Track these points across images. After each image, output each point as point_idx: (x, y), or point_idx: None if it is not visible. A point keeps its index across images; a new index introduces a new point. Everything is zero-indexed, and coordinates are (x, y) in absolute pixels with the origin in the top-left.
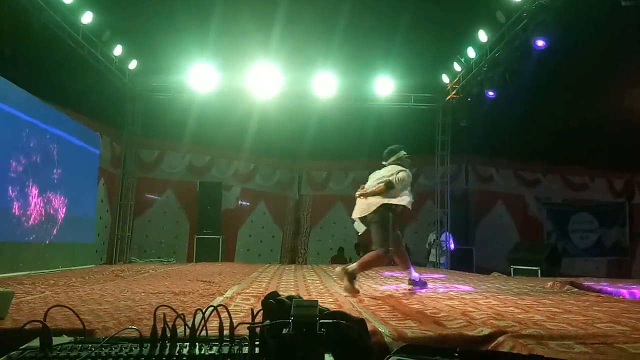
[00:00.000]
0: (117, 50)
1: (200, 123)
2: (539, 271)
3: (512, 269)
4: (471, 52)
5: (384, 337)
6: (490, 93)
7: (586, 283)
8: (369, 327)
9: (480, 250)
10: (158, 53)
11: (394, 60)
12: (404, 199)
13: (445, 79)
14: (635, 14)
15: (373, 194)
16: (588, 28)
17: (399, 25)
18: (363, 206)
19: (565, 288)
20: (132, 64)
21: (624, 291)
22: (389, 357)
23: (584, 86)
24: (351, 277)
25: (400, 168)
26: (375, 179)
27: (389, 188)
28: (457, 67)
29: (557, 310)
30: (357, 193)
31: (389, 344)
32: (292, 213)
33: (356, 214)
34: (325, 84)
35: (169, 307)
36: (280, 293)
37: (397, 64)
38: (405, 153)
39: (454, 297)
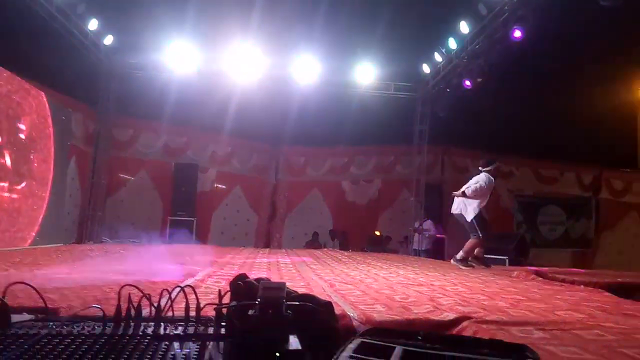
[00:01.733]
0: (92, 25)
1: (177, 104)
2: (507, 260)
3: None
4: (452, 44)
5: (352, 320)
6: (468, 83)
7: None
8: (338, 311)
9: (452, 239)
10: (135, 29)
11: (375, 48)
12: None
13: (425, 68)
14: (612, 12)
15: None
16: (566, 25)
17: (382, 12)
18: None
19: (530, 277)
20: (108, 40)
21: None
22: (352, 339)
23: (559, 82)
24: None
25: (479, 179)
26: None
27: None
28: (437, 58)
29: (521, 298)
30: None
31: (356, 327)
32: (268, 197)
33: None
34: (307, 69)
35: (135, 287)
36: (252, 276)
37: (378, 51)
38: (497, 164)
39: (424, 284)
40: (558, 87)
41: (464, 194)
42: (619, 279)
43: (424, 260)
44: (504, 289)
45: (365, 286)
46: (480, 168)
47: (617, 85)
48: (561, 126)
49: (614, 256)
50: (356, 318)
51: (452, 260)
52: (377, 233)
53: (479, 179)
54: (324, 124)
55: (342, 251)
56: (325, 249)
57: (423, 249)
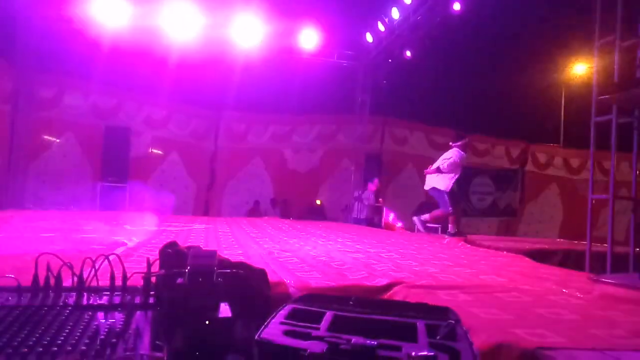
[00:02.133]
0: None
1: (108, 61)
2: (439, 229)
3: (415, 226)
4: (395, 13)
5: (289, 287)
6: (408, 54)
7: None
8: (275, 278)
9: (389, 208)
10: None
11: (319, 13)
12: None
13: (369, 37)
14: None
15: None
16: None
17: None
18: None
19: (460, 244)
20: None
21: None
22: (284, 306)
23: (493, 59)
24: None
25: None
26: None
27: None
28: (381, 27)
29: (450, 264)
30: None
31: (292, 294)
32: (207, 164)
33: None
34: (249, 31)
35: (55, 255)
36: (190, 245)
37: (322, 17)
38: (467, 140)
39: (360, 251)
40: (492, 63)
41: (438, 170)
42: (537, 246)
43: (363, 228)
44: (435, 255)
45: (304, 254)
46: (451, 143)
47: (546, 64)
48: (494, 101)
49: (535, 225)
50: (292, 285)
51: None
52: (318, 202)
53: (452, 154)
54: (266, 89)
55: (283, 220)
56: (266, 218)
57: (363, 217)
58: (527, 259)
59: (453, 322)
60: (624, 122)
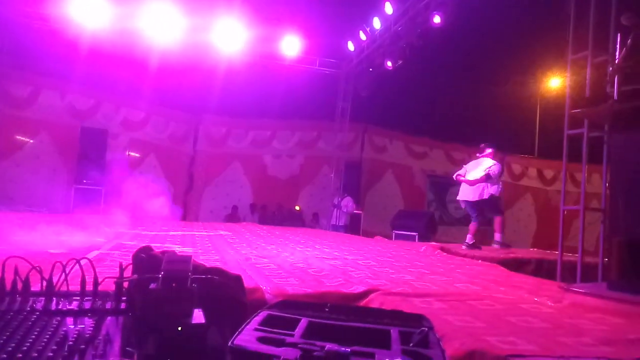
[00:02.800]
0: None
1: (86, 61)
2: (417, 236)
3: (393, 234)
4: (377, 23)
5: (265, 293)
6: (389, 64)
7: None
8: (252, 284)
9: (368, 216)
10: None
11: (302, 20)
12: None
13: (350, 46)
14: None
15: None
16: (482, 16)
17: None
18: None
19: (436, 252)
20: None
21: None
22: (259, 312)
23: (471, 71)
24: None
25: (490, 164)
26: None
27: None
28: (362, 36)
29: (426, 272)
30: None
31: (268, 300)
32: (185, 168)
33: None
34: (231, 35)
35: (22, 258)
36: (164, 249)
37: (305, 24)
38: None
39: (338, 258)
40: (471, 75)
41: (487, 178)
42: (512, 255)
43: (341, 235)
44: (412, 263)
45: (281, 260)
46: (478, 155)
47: (522, 77)
48: (471, 112)
49: (510, 234)
50: (269, 291)
51: (493, 244)
52: (297, 208)
53: (491, 163)
54: (247, 95)
55: (261, 225)
56: (244, 223)
57: (341, 224)
58: (501, 267)
59: (426, 329)
60: (595, 136)
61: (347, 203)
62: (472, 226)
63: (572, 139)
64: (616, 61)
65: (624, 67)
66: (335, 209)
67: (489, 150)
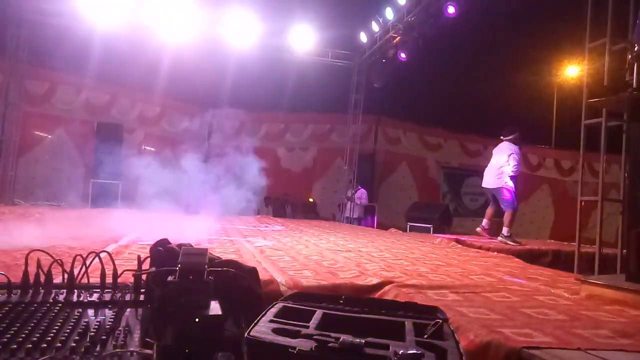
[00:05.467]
0: None
1: (102, 58)
2: (432, 228)
3: (408, 226)
4: (389, 14)
5: (280, 285)
6: (403, 55)
7: (469, 239)
8: (267, 277)
9: (382, 208)
10: None
11: (314, 12)
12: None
13: (363, 37)
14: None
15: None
16: (497, 6)
17: None
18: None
19: (451, 244)
20: None
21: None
22: (274, 304)
23: (488, 61)
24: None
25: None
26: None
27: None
28: (375, 27)
29: (441, 264)
30: None
31: (284, 293)
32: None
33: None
34: (243, 29)
35: (44, 252)
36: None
37: (317, 16)
38: (518, 133)
39: (352, 250)
40: (486, 66)
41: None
42: (528, 246)
43: (356, 227)
44: (426, 255)
45: (296, 252)
46: (502, 137)
47: (539, 68)
48: (486, 102)
49: (526, 225)
50: (284, 283)
51: (499, 238)
52: (311, 200)
53: (511, 149)
54: (260, 88)
55: (276, 218)
56: (259, 216)
57: (355, 216)
58: (517, 259)
59: (440, 321)
60: (614, 125)
61: (361, 195)
62: (490, 210)
63: (590, 128)
64: (635, 48)
65: None
66: (350, 202)
67: (512, 135)
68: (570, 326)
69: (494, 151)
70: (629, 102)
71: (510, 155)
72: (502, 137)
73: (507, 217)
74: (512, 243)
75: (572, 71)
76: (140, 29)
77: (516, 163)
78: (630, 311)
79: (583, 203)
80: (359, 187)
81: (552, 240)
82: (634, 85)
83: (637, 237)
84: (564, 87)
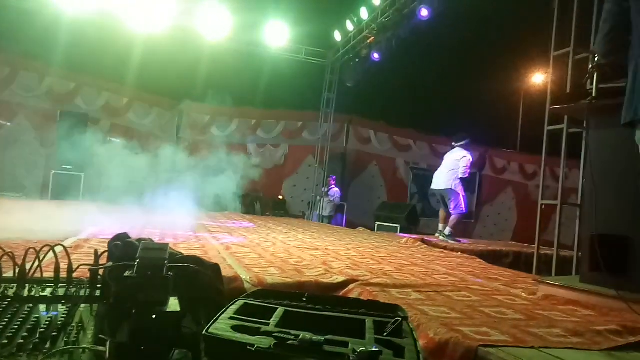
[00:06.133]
0: None
1: (68, 45)
2: (399, 228)
3: (376, 225)
4: (364, 14)
5: (244, 282)
6: (376, 56)
7: (434, 240)
8: (231, 273)
9: (351, 207)
10: None
11: (288, 9)
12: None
13: (337, 36)
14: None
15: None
16: (469, 11)
17: None
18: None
19: (417, 244)
20: None
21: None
22: (235, 301)
23: (458, 66)
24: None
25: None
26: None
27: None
28: (349, 26)
29: (406, 263)
30: None
31: (247, 290)
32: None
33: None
34: (216, 22)
35: None
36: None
37: (291, 12)
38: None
39: (319, 248)
40: (456, 69)
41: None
42: (490, 247)
43: (325, 226)
44: (392, 254)
45: (262, 249)
46: (453, 143)
47: (507, 74)
48: (456, 105)
49: (490, 227)
50: (248, 281)
51: (439, 236)
52: (281, 197)
53: (464, 154)
54: (232, 82)
55: (244, 215)
56: (227, 212)
57: (326, 214)
58: (479, 259)
59: (400, 319)
60: (575, 132)
61: (335, 194)
62: (442, 213)
63: (552, 134)
64: (595, 58)
65: (603, 65)
66: (322, 199)
67: (462, 142)
68: (526, 325)
69: (445, 156)
70: (589, 110)
71: (462, 158)
72: (453, 144)
73: (453, 219)
74: (452, 242)
75: (538, 78)
76: (109, 16)
77: (466, 165)
78: (582, 311)
79: (543, 206)
80: (333, 184)
81: (514, 242)
82: (594, 94)
83: (590, 241)
84: (531, 94)
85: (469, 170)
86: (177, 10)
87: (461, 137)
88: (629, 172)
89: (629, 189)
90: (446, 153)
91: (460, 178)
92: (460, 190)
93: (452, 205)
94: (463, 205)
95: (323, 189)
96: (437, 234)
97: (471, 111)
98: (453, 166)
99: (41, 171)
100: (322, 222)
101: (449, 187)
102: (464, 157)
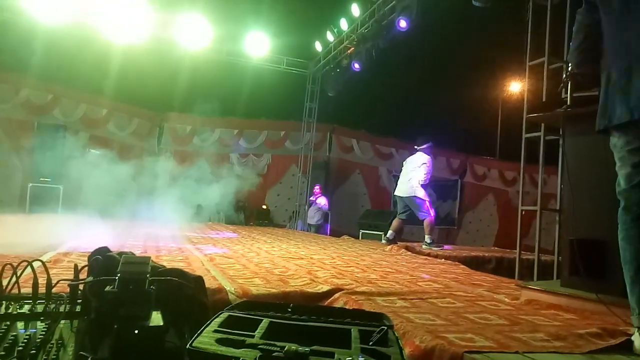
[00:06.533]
0: None
1: (44, 55)
2: (382, 236)
3: (360, 233)
4: (344, 24)
5: (229, 294)
6: (357, 66)
7: (417, 247)
8: (215, 285)
9: (335, 215)
10: None
11: (268, 20)
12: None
13: (318, 46)
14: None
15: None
16: (447, 23)
17: None
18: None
19: (401, 251)
20: None
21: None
22: (220, 313)
23: (437, 75)
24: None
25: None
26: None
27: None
28: (329, 37)
29: (390, 271)
30: None
31: (232, 301)
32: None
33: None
34: (196, 33)
35: None
36: (123, 250)
37: (271, 24)
38: (431, 143)
39: (304, 257)
40: (436, 78)
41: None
42: (473, 253)
43: (309, 234)
44: (377, 262)
45: (247, 260)
46: (415, 147)
47: (486, 82)
48: (436, 114)
49: (473, 233)
50: (233, 292)
51: (423, 246)
52: (264, 207)
53: (424, 160)
54: (213, 92)
55: (228, 225)
56: (210, 223)
57: (314, 223)
58: (463, 266)
59: (385, 327)
60: (553, 139)
61: (323, 201)
62: (396, 222)
63: (530, 142)
64: (569, 68)
65: (576, 75)
66: (309, 208)
67: (425, 145)
68: (510, 330)
69: (406, 160)
70: (564, 118)
71: (422, 164)
72: (415, 147)
73: (426, 226)
74: (435, 248)
75: (515, 87)
76: (86, 27)
77: (427, 172)
78: (564, 315)
79: (523, 212)
80: (320, 193)
81: (496, 248)
82: (569, 102)
83: (570, 245)
84: (508, 102)
85: (428, 177)
86: (157, 21)
87: (423, 140)
88: (604, 177)
89: (605, 193)
90: (408, 157)
91: (421, 184)
92: (422, 195)
93: (418, 213)
94: (430, 210)
95: (311, 198)
96: (382, 241)
97: (451, 119)
98: (413, 172)
99: (18, 184)
100: (309, 231)
101: (412, 195)
102: (424, 163)
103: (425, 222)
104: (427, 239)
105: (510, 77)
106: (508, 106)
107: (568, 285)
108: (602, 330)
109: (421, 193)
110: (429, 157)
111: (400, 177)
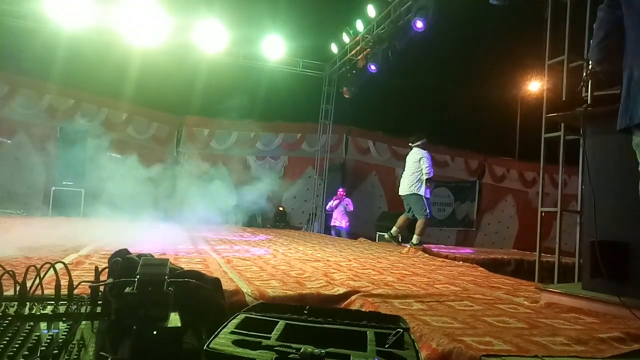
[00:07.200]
0: None
1: (67, 62)
2: (400, 237)
3: (377, 235)
4: (360, 26)
5: (246, 296)
6: (373, 67)
7: (435, 249)
8: (232, 287)
9: (352, 217)
10: None
11: (284, 22)
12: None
13: (333, 48)
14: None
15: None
16: (464, 22)
17: None
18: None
19: (418, 254)
20: None
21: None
22: (237, 315)
23: (455, 75)
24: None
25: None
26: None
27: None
28: (345, 39)
29: (407, 273)
30: None
31: (249, 303)
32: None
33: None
34: (213, 37)
35: None
36: (142, 252)
37: (287, 26)
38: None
39: (320, 260)
40: (454, 79)
41: (419, 169)
42: (491, 256)
43: (325, 237)
44: (394, 264)
45: (263, 262)
46: (410, 144)
47: (504, 82)
48: (454, 115)
49: (491, 235)
50: (250, 294)
51: (409, 245)
52: (281, 209)
53: (422, 155)
54: (230, 95)
55: (245, 227)
56: (228, 225)
57: (344, 227)
58: (481, 268)
59: (401, 330)
60: (573, 139)
61: (348, 203)
62: (401, 219)
63: (550, 142)
64: (590, 66)
65: (597, 73)
66: (333, 210)
67: (419, 142)
68: (529, 334)
69: (406, 159)
70: (584, 117)
71: (420, 158)
72: (410, 145)
73: (418, 225)
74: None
75: (534, 86)
76: (107, 33)
77: (428, 165)
78: (585, 318)
79: (543, 214)
80: (344, 195)
81: (515, 250)
82: (589, 101)
83: (591, 247)
84: (527, 102)
85: (432, 169)
86: (175, 26)
87: (417, 137)
88: (627, 177)
89: (628, 194)
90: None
91: (426, 179)
92: (423, 193)
93: (415, 211)
94: (427, 210)
95: (334, 200)
96: (386, 235)
97: (469, 120)
98: (414, 169)
99: (42, 188)
100: (340, 235)
101: (412, 192)
102: (422, 157)
103: (419, 222)
104: (414, 239)
105: (529, 76)
106: (527, 106)
107: (589, 288)
108: (625, 335)
109: (422, 191)
110: (425, 151)
111: (402, 176)
